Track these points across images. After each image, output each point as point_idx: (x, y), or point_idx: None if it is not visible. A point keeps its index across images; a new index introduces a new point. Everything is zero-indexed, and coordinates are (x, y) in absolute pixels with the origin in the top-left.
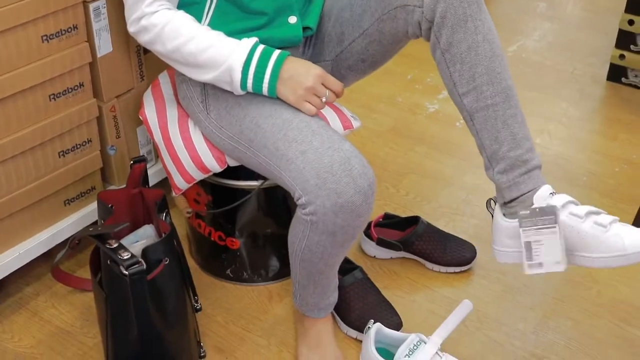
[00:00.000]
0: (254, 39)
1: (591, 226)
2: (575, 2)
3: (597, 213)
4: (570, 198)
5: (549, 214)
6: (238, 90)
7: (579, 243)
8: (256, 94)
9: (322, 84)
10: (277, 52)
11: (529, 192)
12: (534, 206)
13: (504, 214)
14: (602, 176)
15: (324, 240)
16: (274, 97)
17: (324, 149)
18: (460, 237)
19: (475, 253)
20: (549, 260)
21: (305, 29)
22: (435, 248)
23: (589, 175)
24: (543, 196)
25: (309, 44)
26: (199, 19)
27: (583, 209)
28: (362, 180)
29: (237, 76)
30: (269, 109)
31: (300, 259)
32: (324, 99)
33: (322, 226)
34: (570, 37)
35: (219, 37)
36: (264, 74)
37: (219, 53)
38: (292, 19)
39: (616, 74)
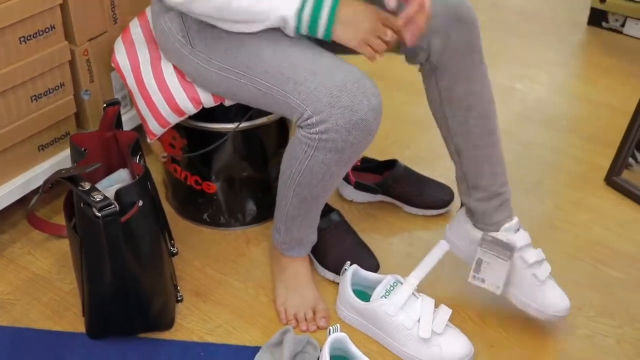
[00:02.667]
0: None
1: (530, 276)
2: None
3: (540, 264)
4: (528, 241)
5: (507, 249)
6: (292, 35)
7: (516, 282)
8: (282, 36)
9: (383, 24)
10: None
11: (499, 221)
12: (498, 236)
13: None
14: (582, 120)
15: (330, 158)
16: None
17: (334, 68)
18: (438, 180)
19: (453, 196)
20: (491, 281)
21: None
22: (412, 191)
23: (569, 119)
24: (510, 229)
25: None
26: None
27: (532, 257)
28: (374, 99)
29: (292, 23)
30: (267, 37)
31: (297, 183)
32: (387, 38)
33: (331, 144)
34: None
35: None
36: (318, 18)
37: (271, 4)
38: None
39: (597, 18)
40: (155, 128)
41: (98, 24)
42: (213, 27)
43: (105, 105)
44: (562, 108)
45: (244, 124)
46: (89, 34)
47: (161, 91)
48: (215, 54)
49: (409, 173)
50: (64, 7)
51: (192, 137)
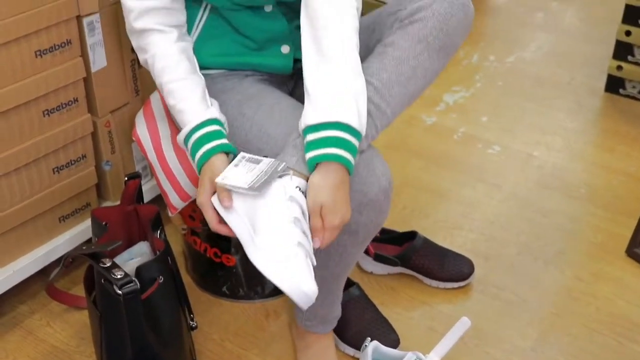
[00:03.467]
0: (212, 113)
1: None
2: (572, 13)
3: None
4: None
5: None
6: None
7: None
8: (259, 103)
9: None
10: (206, 147)
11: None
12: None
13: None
14: (600, 188)
15: (345, 240)
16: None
17: None
18: (457, 252)
19: (473, 268)
20: (238, 180)
21: (297, 60)
22: (432, 263)
23: (587, 187)
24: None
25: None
26: (190, 28)
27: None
28: (384, 179)
29: (182, 135)
30: (278, 117)
31: (316, 265)
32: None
33: (344, 227)
34: (568, 48)
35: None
36: (195, 152)
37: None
38: (285, 49)
39: (614, 85)
40: (176, 202)
41: (120, 96)
42: (229, 108)
43: (126, 178)
44: (580, 176)
45: None
46: (111, 106)
47: (182, 165)
48: (229, 133)
49: (429, 245)
50: (87, 80)
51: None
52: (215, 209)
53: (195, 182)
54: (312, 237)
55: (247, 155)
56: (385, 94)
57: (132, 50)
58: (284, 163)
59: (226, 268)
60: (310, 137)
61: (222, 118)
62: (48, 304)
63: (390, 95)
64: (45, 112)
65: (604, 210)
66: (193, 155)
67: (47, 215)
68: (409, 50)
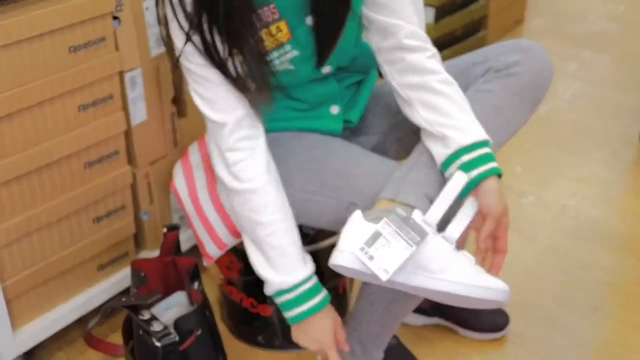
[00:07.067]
0: (310, 270)
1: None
2: (605, 62)
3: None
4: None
5: (417, 233)
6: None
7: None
8: (329, 148)
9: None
10: (316, 300)
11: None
12: (414, 216)
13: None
14: (637, 239)
15: None
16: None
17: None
18: None
19: (509, 320)
20: (380, 263)
21: (346, 121)
22: (468, 314)
23: (624, 238)
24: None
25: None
26: None
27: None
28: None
29: (271, 290)
30: (356, 158)
31: (390, 299)
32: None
33: None
34: (602, 96)
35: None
36: (289, 309)
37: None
38: (334, 109)
39: None
40: (212, 250)
41: (159, 148)
42: (296, 152)
43: (165, 230)
44: (617, 226)
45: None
46: (151, 158)
47: (219, 213)
48: (299, 177)
49: None
50: (128, 133)
51: (249, 260)
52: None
53: (232, 229)
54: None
55: (364, 242)
56: None
57: (172, 102)
58: (412, 209)
59: (262, 318)
60: (466, 157)
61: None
62: (85, 352)
63: None
64: (87, 164)
65: None
66: (297, 304)
67: (86, 264)
68: (506, 101)
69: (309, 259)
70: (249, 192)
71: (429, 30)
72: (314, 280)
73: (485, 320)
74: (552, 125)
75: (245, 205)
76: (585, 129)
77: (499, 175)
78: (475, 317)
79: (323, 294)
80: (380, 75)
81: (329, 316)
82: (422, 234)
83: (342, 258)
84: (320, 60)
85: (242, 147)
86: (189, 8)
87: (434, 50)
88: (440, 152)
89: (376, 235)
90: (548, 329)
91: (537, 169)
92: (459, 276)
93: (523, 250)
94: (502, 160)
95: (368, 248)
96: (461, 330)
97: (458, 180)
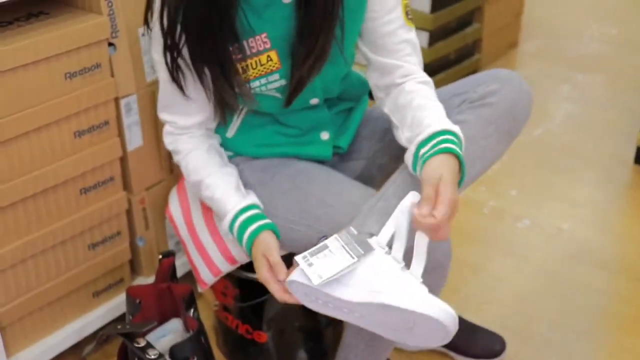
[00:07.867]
0: (250, 200)
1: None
2: (598, 84)
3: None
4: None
5: (363, 247)
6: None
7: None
8: (312, 176)
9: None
10: (252, 228)
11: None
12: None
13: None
14: (631, 261)
15: None
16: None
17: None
18: (488, 328)
19: (505, 345)
20: (317, 269)
21: (336, 147)
22: (463, 340)
23: (619, 260)
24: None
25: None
26: (230, 120)
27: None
28: (446, 244)
29: (228, 219)
30: (337, 188)
31: (371, 335)
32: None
33: None
34: (595, 119)
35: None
36: (242, 234)
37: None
38: (325, 135)
39: None
40: (207, 276)
41: (155, 173)
42: (281, 181)
43: (160, 256)
44: (611, 248)
45: None
46: (146, 184)
47: (214, 239)
48: (281, 205)
49: (460, 321)
50: (123, 159)
51: (244, 287)
52: (277, 280)
53: (226, 256)
54: (423, 210)
55: (308, 251)
56: None
57: None
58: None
59: (257, 344)
60: (424, 149)
61: (260, 204)
62: None
63: None
64: (83, 191)
65: (636, 282)
66: (240, 238)
67: (81, 291)
68: (480, 130)
69: (250, 193)
70: (183, 160)
71: (423, 55)
72: (250, 212)
73: (480, 347)
74: (546, 147)
75: (184, 171)
76: (579, 151)
77: (457, 157)
78: (470, 344)
79: (259, 222)
80: (372, 97)
81: (261, 245)
82: (368, 249)
83: (293, 274)
84: (286, 103)
85: (181, 148)
86: (166, 22)
87: (427, 78)
88: (408, 157)
89: (322, 248)
90: (543, 353)
91: (531, 192)
92: (402, 292)
93: (517, 273)
94: (496, 184)
95: (310, 257)
96: (457, 357)
97: (408, 198)
